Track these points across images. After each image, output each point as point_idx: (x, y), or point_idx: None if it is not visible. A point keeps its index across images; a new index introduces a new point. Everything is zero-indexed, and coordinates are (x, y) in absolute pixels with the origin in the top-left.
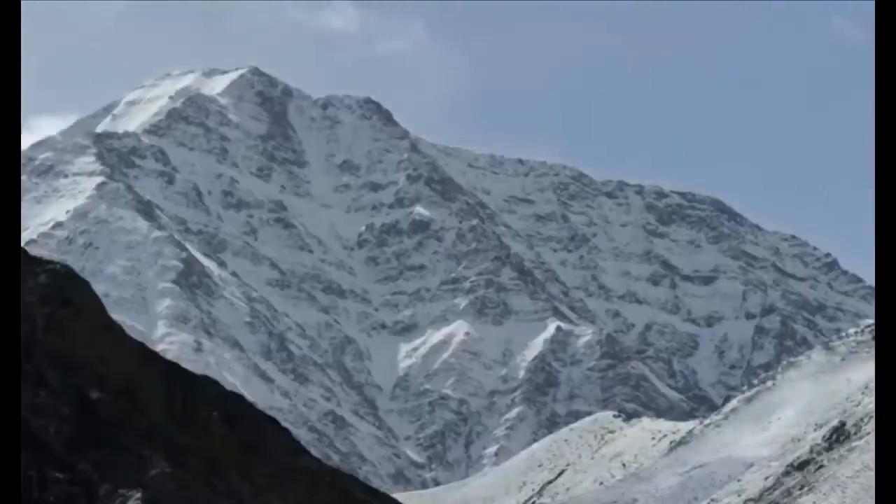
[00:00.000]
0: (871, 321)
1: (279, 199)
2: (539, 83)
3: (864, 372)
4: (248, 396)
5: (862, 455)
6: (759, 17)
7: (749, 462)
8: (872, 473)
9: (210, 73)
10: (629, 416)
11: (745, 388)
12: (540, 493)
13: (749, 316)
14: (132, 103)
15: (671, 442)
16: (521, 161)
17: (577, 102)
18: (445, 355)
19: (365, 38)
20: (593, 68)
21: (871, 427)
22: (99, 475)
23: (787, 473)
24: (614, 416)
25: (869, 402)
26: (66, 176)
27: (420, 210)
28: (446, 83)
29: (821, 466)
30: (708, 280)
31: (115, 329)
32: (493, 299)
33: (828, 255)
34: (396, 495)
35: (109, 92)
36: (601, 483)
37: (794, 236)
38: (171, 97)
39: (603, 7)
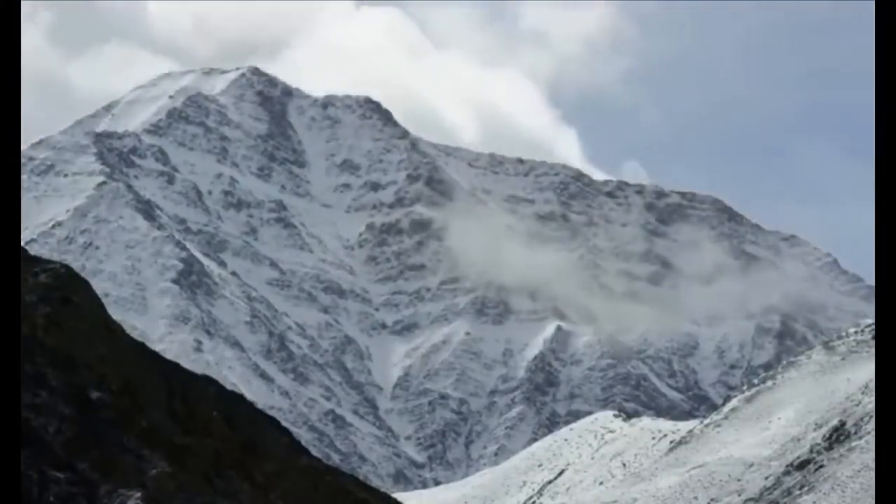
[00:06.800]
0: (871, 321)
1: (279, 199)
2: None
3: (864, 372)
4: (248, 396)
5: (862, 455)
6: (760, 16)
7: (749, 462)
8: (872, 473)
9: (210, 73)
10: (629, 416)
11: (745, 388)
12: (540, 493)
13: (749, 316)
14: (132, 103)
15: (671, 442)
16: (521, 161)
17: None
18: (445, 355)
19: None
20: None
21: (871, 427)
22: (99, 475)
23: (787, 473)
24: (614, 416)
25: (869, 402)
26: (65, 175)
27: (420, 210)
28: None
29: (821, 466)
30: (708, 280)
31: (115, 329)
32: (493, 299)
33: (828, 254)
34: (396, 495)
35: (109, 92)
36: (601, 483)
37: (794, 236)
38: (171, 97)
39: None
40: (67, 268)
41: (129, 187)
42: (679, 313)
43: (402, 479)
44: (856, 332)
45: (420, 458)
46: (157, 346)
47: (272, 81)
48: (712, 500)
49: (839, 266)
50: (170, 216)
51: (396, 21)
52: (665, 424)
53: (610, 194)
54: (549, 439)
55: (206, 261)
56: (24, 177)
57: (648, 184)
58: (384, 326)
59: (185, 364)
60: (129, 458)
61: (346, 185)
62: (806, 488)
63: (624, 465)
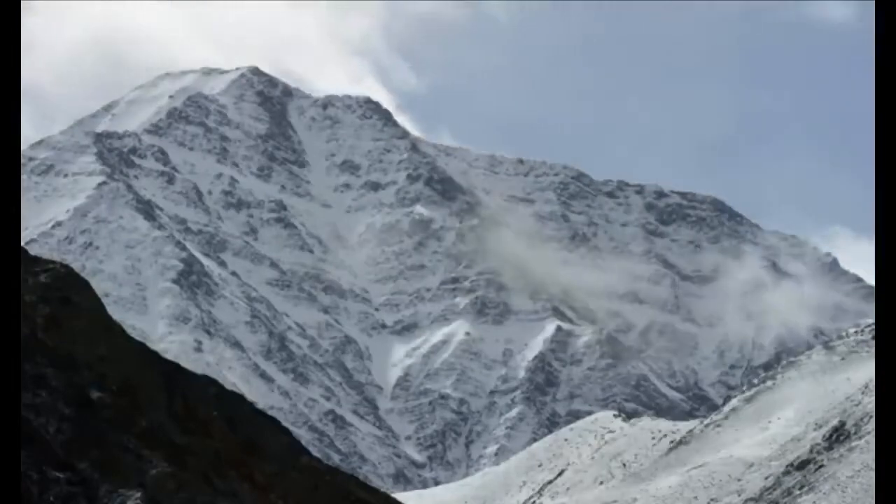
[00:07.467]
0: (871, 321)
1: (279, 199)
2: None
3: (864, 372)
4: (248, 396)
5: (862, 455)
6: (760, 15)
7: (749, 462)
8: (872, 473)
9: (210, 73)
10: (629, 416)
11: (745, 388)
12: (540, 493)
13: (749, 316)
14: (132, 103)
15: (671, 442)
16: (521, 161)
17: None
18: (445, 355)
19: None
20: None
21: (871, 427)
22: (99, 475)
23: (787, 473)
24: (614, 416)
25: (869, 402)
26: (65, 175)
27: (420, 210)
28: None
29: (821, 466)
30: (708, 280)
31: (115, 329)
32: (493, 299)
33: (828, 254)
34: (396, 495)
35: (109, 92)
36: (601, 483)
37: (794, 236)
38: (171, 97)
39: (600, 5)
40: (67, 268)
41: (130, 187)
42: (679, 313)
43: (402, 479)
44: (856, 332)
45: (420, 458)
46: (157, 346)
47: (272, 81)
48: (712, 500)
49: (839, 266)
50: (170, 216)
51: None
52: (665, 424)
53: (610, 194)
54: (549, 439)
55: (206, 261)
56: (24, 177)
57: (648, 184)
58: (384, 326)
59: (185, 364)
60: (129, 458)
61: (346, 185)
62: (806, 488)
63: (624, 465)
